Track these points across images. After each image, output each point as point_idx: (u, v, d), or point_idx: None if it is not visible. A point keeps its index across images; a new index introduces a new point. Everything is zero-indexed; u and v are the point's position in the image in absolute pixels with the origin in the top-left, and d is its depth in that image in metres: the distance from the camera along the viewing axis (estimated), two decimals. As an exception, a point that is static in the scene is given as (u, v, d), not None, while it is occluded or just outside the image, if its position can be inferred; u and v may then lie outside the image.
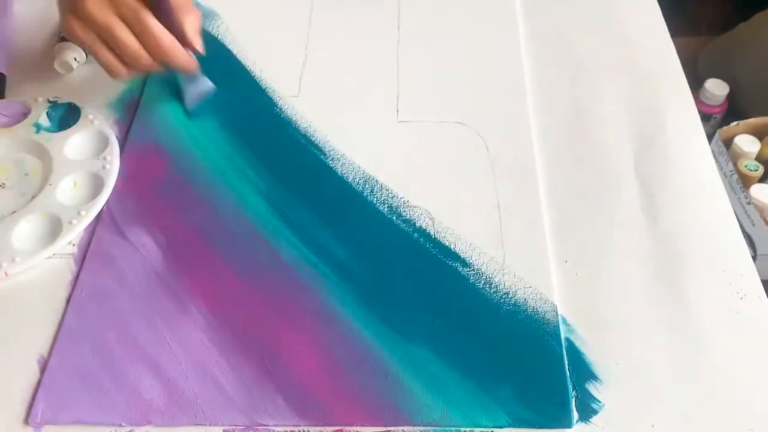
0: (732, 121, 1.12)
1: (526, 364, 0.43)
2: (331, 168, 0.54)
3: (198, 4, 0.66)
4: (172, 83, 0.57)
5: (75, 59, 0.61)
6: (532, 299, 0.46)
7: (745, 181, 1.04)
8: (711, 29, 1.44)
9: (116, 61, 0.51)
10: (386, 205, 0.51)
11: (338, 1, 0.67)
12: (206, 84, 0.57)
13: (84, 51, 0.61)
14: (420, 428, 0.41)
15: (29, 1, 0.68)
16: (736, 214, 0.51)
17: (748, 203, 1.01)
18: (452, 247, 0.49)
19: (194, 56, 0.53)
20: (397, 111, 0.58)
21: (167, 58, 0.51)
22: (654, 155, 0.55)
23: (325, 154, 0.54)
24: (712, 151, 0.82)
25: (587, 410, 0.41)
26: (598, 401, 0.42)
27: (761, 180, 1.06)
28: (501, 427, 0.41)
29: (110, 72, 0.52)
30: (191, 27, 0.53)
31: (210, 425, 0.41)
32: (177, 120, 0.57)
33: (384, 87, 0.60)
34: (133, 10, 0.49)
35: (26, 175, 0.53)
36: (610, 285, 0.47)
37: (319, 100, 0.58)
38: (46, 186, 0.51)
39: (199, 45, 0.53)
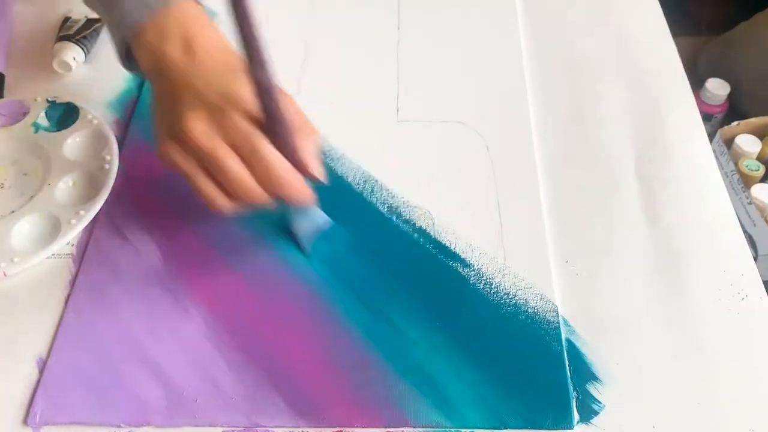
0: (733, 121, 1.12)
1: (527, 364, 0.43)
2: (331, 168, 0.53)
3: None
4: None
5: (74, 59, 0.61)
6: (533, 300, 0.46)
7: (746, 181, 1.04)
8: (711, 29, 1.44)
9: (219, 192, 0.43)
10: (386, 205, 0.51)
11: (338, 1, 0.67)
12: (320, 216, 0.48)
13: (83, 51, 0.61)
14: (420, 429, 0.41)
15: (29, 1, 0.68)
16: (737, 214, 0.51)
17: (749, 203, 1.01)
18: (452, 247, 0.49)
19: (311, 186, 0.45)
20: (397, 111, 0.58)
21: (284, 191, 0.43)
22: (654, 155, 0.55)
23: (324, 154, 0.54)
24: (713, 151, 0.82)
25: (588, 411, 0.41)
26: (599, 402, 0.42)
27: (762, 180, 1.06)
28: (502, 428, 0.41)
29: (211, 205, 0.43)
30: (311, 152, 0.44)
31: (210, 425, 0.41)
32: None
33: (384, 87, 0.60)
34: (246, 137, 0.41)
35: (25, 175, 0.53)
36: (611, 285, 0.47)
37: (319, 99, 0.58)
38: (45, 186, 0.51)
39: (320, 173, 0.44)
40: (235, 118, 0.42)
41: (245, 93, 0.42)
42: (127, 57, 0.48)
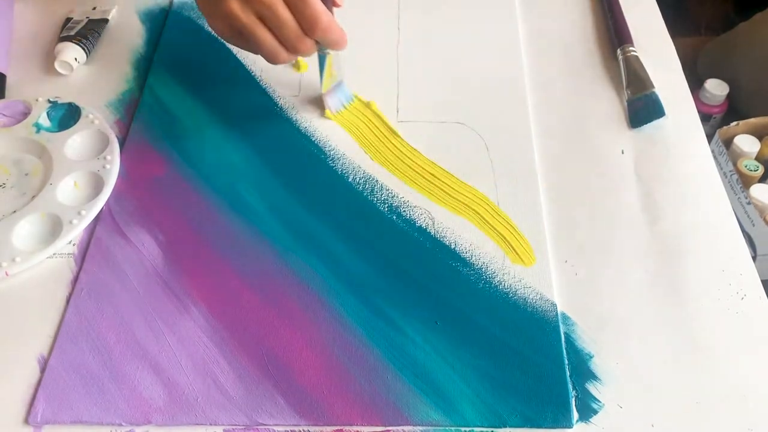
0: (732, 121, 1.12)
1: (526, 363, 0.43)
2: (331, 168, 0.54)
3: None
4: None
5: (75, 59, 0.61)
6: (532, 299, 0.46)
7: (745, 181, 1.04)
8: (711, 29, 1.44)
9: (278, 44, 0.49)
10: (386, 205, 0.51)
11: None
12: (347, 89, 0.58)
13: (85, 51, 0.61)
14: (420, 428, 0.41)
15: (29, 1, 0.68)
16: (736, 214, 0.51)
17: (748, 203, 1.02)
18: (452, 247, 0.49)
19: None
20: (397, 111, 0.58)
21: (328, 34, 0.49)
22: (654, 155, 0.55)
23: (325, 154, 0.54)
24: (712, 151, 0.82)
25: (587, 410, 0.41)
26: (598, 401, 0.42)
27: (761, 180, 1.06)
28: (501, 427, 0.41)
29: (272, 57, 0.50)
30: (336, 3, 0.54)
31: (210, 425, 0.41)
32: (177, 120, 0.57)
33: (384, 87, 0.60)
34: None
35: (26, 175, 0.53)
36: (610, 285, 0.47)
37: (320, 100, 0.58)
38: (46, 186, 0.51)
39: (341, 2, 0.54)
40: None
41: None
42: None
